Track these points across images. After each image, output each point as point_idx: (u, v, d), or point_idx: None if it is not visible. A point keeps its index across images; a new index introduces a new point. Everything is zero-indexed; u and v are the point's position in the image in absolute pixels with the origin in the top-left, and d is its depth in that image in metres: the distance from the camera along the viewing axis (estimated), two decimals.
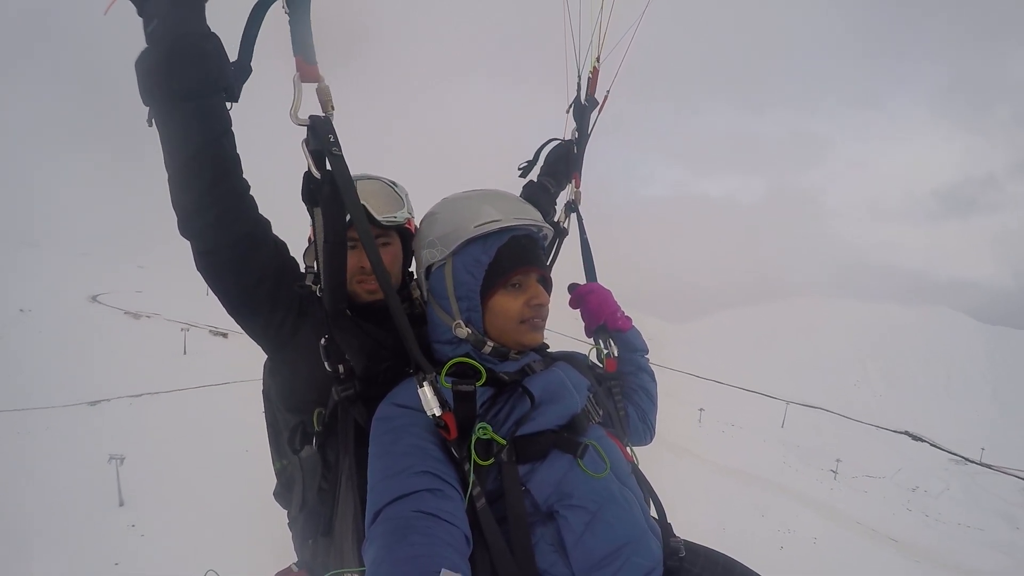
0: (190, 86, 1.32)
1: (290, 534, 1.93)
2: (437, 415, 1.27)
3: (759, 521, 9.06)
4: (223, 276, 1.52)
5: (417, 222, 1.72)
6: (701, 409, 16.72)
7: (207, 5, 1.36)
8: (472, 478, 1.27)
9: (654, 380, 2.08)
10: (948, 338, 32.13)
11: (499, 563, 1.24)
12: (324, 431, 1.66)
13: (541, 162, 2.51)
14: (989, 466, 16.53)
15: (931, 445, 16.89)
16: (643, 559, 1.32)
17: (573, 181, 2.48)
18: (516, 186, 2.50)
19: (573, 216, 2.44)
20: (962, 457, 17.03)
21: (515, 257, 1.54)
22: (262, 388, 1.99)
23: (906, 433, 17.35)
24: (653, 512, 1.67)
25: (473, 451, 1.29)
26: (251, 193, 1.52)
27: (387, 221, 1.89)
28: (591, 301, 2.13)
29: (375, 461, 1.30)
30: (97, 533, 5.82)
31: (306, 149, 1.37)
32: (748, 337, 31.17)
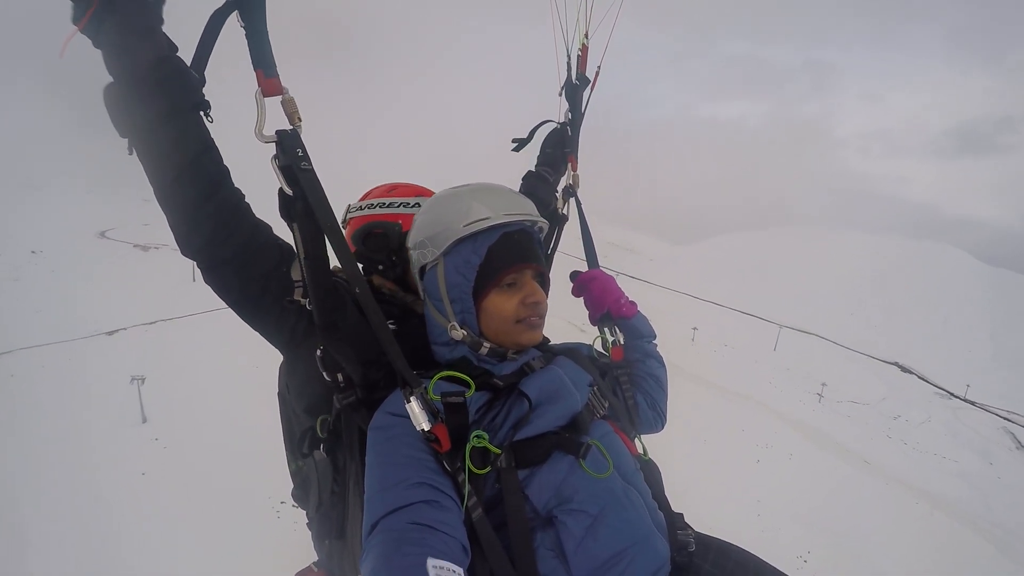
0: (159, 111, 1.32)
1: (309, 533, 1.99)
2: (426, 429, 1.28)
3: (739, 435, 9.49)
4: (230, 289, 1.52)
5: None
6: (695, 328, 16.90)
7: (165, 27, 1.34)
8: (467, 489, 1.27)
9: (663, 366, 2.01)
10: (949, 276, 31.42)
11: (498, 571, 1.25)
12: (330, 438, 1.68)
13: (537, 149, 2.48)
14: (972, 402, 16.73)
15: (919, 378, 17.11)
16: (648, 560, 1.32)
17: (570, 164, 2.44)
18: (513, 167, 2.49)
19: (572, 201, 2.41)
20: (947, 392, 17.21)
21: (507, 256, 1.53)
22: (278, 390, 1.99)
23: (896, 364, 17.54)
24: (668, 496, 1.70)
25: (468, 460, 1.29)
26: (246, 202, 1.51)
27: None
28: (594, 289, 2.08)
29: (371, 472, 1.30)
30: (124, 447, 6.21)
31: (275, 166, 1.35)
32: (747, 262, 31.09)
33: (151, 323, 9.25)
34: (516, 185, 2.39)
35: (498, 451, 1.31)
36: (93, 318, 9.40)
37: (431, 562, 1.02)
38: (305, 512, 1.92)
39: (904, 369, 17.45)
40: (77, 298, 9.76)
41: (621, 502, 1.35)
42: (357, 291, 1.35)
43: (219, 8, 1.31)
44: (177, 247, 1.45)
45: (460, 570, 1.06)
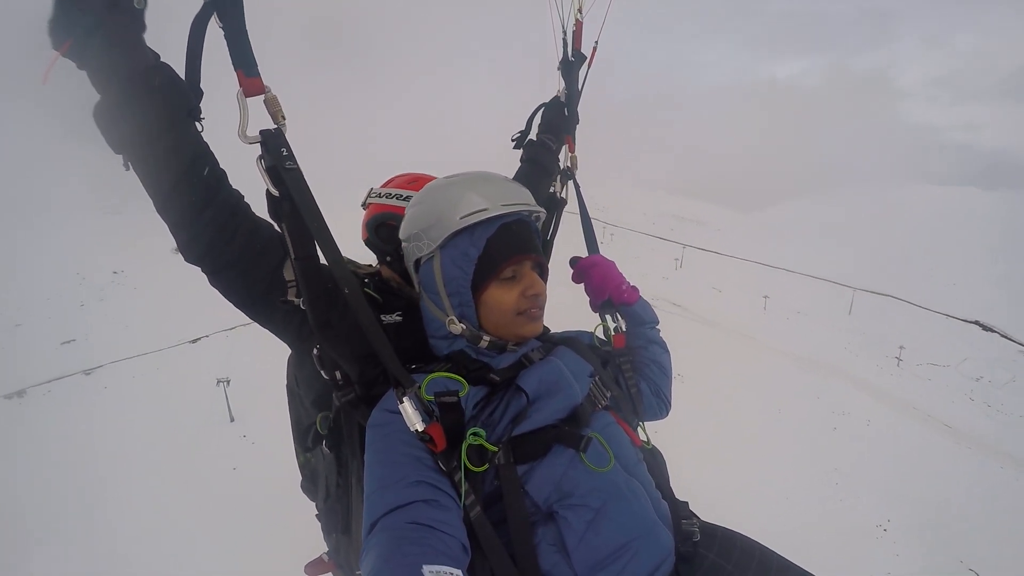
0: (154, 123, 1.31)
1: (319, 525, 2.03)
2: (420, 430, 1.28)
3: (814, 403, 9.27)
4: (235, 291, 1.54)
5: None
6: (766, 297, 16.56)
7: (147, 36, 1.33)
8: (465, 487, 1.27)
9: (666, 351, 2.05)
10: None
11: (498, 569, 1.24)
12: (331, 434, 1.71)
13: (538, 121, 2.49)
14: None
15: (1002, 336, 16.32)
16: (651, 552, 1.32)
17: (567, 145, 2.42)
18: (511, 156, 2.50)
19: (570, 185, 2.39)
20: None
21: (506, 247, 1.51)
22: (286, 383, 2.06)
23: (976, 323, 16.72)
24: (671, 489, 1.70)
25: (465, 458, 1.28)
26: (245, 202, 1.52)
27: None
28: (594, 275, 2.06)
29: (370, 470, 1.29)
30: (214, 445, 6.59)
31: (261, 167, 1.35)
32: (816, 225, 30.01)
33: (231, 329, 9.61)
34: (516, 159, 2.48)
35: (495, 449, 1.33)
36: (176, 329, 9.88)
37: (427, 568, 1.03)
38: (315, 504, 2.01)
39: (985, 327, 16.63)
40: (159, 312, 10.27)
41: (623, 495, 1.36)
42: (346, 292, 1.35)
43: (198, 13, 1.31)
44: (180, 255, 1.48)
45: (458, 572, 1.07)
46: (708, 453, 6.90)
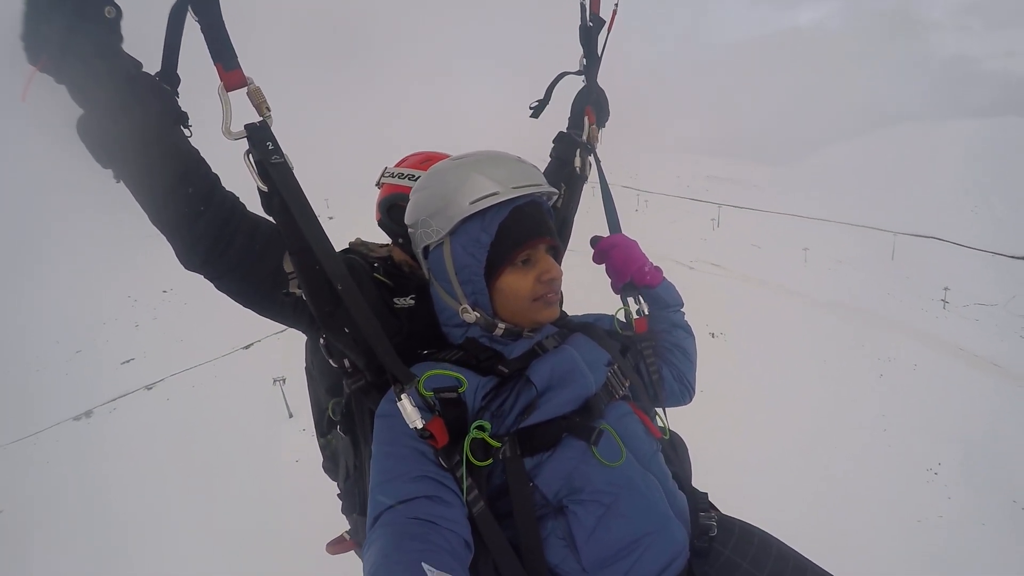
0: (139, 134, 1.29)
1: (340, 504, 2.02)
2: (420, 427, 1.25)
3: (859, 351, 9.17)
4: (243, 292, 1.53)
5: None
6: (806, 249, 16.30)
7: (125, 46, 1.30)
8: (466, 483, 1.24)
9: (691, 335, 1.97)
10: None
11: (501, 564, 1.22)
12: (344, 420, 1.70)
13: (562, 108, 2.34)
14: None
15: None
16: (663, 548, 1.30)
17: (587, 117, 2.28)
18: (540, 149, 2.34)
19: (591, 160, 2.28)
20: None
21: (519, 232, 1.46)
22: (305, 366, 2.05)
23: None
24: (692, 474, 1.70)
25: (468, 453, 1.25)
26: (240, 203, 1.49)
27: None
28: (615, 256, 1.96)
29: (375, 461, 1.28)
30: (277, 439, 6.86)
31: (249, 161, 1.32)
32: (854, 172, 29.36)
33: (281, 331, 9.81)
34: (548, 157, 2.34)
35: (498, 444, 1.29)
36: (229, 338, 10.18)
37: (427, 566, 1.01)
38: (336, 484, 2.00)
39: None
40: (211, 323, 10.59)
41: (637, 489, 1.34)
42: (339, 288, 1.32)
43: (173, 7, 1.28)
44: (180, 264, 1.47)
45: None
46: (752, 409, 6.95)
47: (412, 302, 1.68)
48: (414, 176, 1.93)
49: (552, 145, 2.34)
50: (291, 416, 7.30)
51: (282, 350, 9.09)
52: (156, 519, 5.64)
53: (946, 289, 13.14)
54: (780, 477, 5.60)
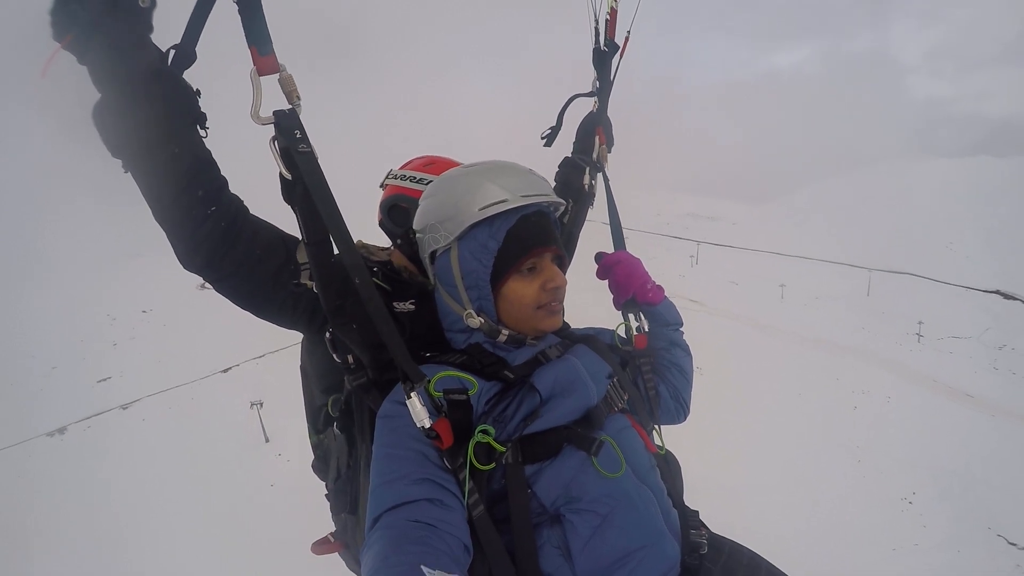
0: (156, 130, 1.28)
1: (328, 504, 1.99)
2: (427, 427, 1.24)
3: (834, 384, 9.35)
4: (242, 295, 1.53)
5: None
6: (782, 285, 16.62)
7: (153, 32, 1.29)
8: (468, 485, 1.24)
9: (689, 355, 1.98)
10: None
11: (497, 569, 1.22)
12: (341, 416, 1.69)
13: (570, 131, 2.38)
14: None
15: None
16: (656, 563, 1.29)
17: (598, 138, 2.32)
18: (543, 155, 2.36)
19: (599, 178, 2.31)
20: None
21: (526, 240, 1.47)
22: (300, 364, 2.02)
23: (997, 292, 16.57)
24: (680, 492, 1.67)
25: (472, 456, 1.25)
26: (244, 206, 1.49)
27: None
28: (619, 272, 1.97)
29: (376, 462, 1.27)
30: (252, 464, 6.87)
31: (275, 148, 1.30)
32: (831, 210, 29.68)
33: (260, 357, 9.89)
34: (552, 172, 2.33)
35: (502, 449, 1.29)
36: (207, 361, 10.15)
37: (426, 570, 1.00)
38: (324, 484, 1.99)
39: (1007, 296, 16.40)
40: (190, 346, 10.57)
41: (633, 502, 1.34)
42: (357, 281, 1.30)
43: None
44: (180, 264, 1.45)
45: None
46: (730, 442, 7.03)
47: (412, 307, 1.68)
48: (415, 178, 1.94)
49: (557, 170, 2.36)
50: (267, 440, 7.31)
51: (260, 374, 9.12)
52: (127, 537, 5.63)
53: (920, 323, 13.47)
54: (759, 505, 5.68)
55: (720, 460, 6.53)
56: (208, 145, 1.41)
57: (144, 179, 1.33)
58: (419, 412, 1.24)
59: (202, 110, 1.36)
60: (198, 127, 1.37)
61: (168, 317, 13.12)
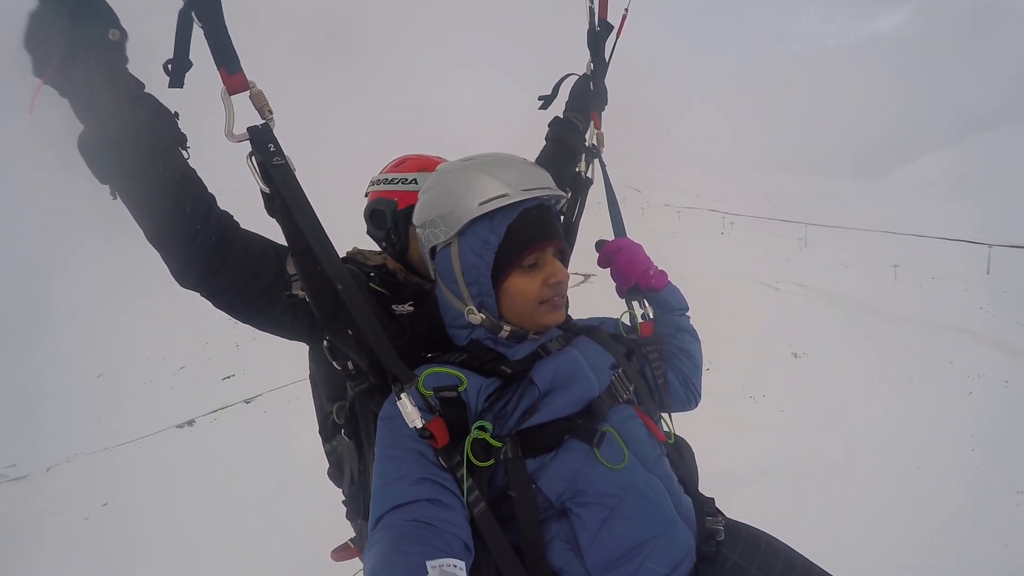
0: (138, 154, 1.30)
1: (345, 510, 2.02)
2: (419, 427, 1.24)
3: (948, 369, 8.88)
4: (237, 309, 1.53)
5: None
6: (895, 266, 15.95)
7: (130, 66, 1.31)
8: (467, 483, 1.24)
9: (696, 339, 1.94)
10: None
11: (503, 566, 1.22)
12: (348, 423, 1.70)
13: (565, 97, 2.37)
14: None
15: None
16: (668, 552, 1.29)
17: (592, 122, 2.30)
18: (539, 125, 2.36)
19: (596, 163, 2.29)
20: None
21: (528, 234, 1.45)
22: (309, 374, 2.04)
23: None
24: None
25: (469, 453, 1.25)
26: (234, 222, 1.50)
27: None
28: (620, 260, 1.96)
29: (378, 464, 1.28)
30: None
31: (252, 163, 1.32)
32: (949, 182, 28.22)
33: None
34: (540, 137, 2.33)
35: (499, 444, 1.29)
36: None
37: (430, 564, 1.02)
38: (341, 491, 2.00)
39: None
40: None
41: (641, 492, 1.33)
42: (339, 288, 1.32)
43: (180, 10, 1.27)
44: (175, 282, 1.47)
45: (461, 563, 1.07)
46: (836, 430, 6.86)
47: (411, 308, 1.70)
48: (390, 179, 1.96)
49: (548, 128, 2.34)
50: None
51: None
52: (251, 520, 6.07)
53: None
54: (866, 494, 5.54)
55: (826, 449, 6.37)
56: (194, 164, 1.43)
57: (133, 202, 1.36)
58: (410, 413, 1.26)
59: (182, 131, 1.39)
60: (180, 148, 1.39)
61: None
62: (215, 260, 1.42)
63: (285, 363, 11.05)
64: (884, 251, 17.84)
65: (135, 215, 1.38)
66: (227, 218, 1.48)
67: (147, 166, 1.31)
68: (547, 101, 2.35)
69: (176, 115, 1.38)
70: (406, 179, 1.93)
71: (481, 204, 1.42)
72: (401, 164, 2.01)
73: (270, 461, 7.24)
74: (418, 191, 1.72)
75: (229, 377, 11.43)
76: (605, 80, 2.37)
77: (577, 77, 2.37)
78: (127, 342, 14.27)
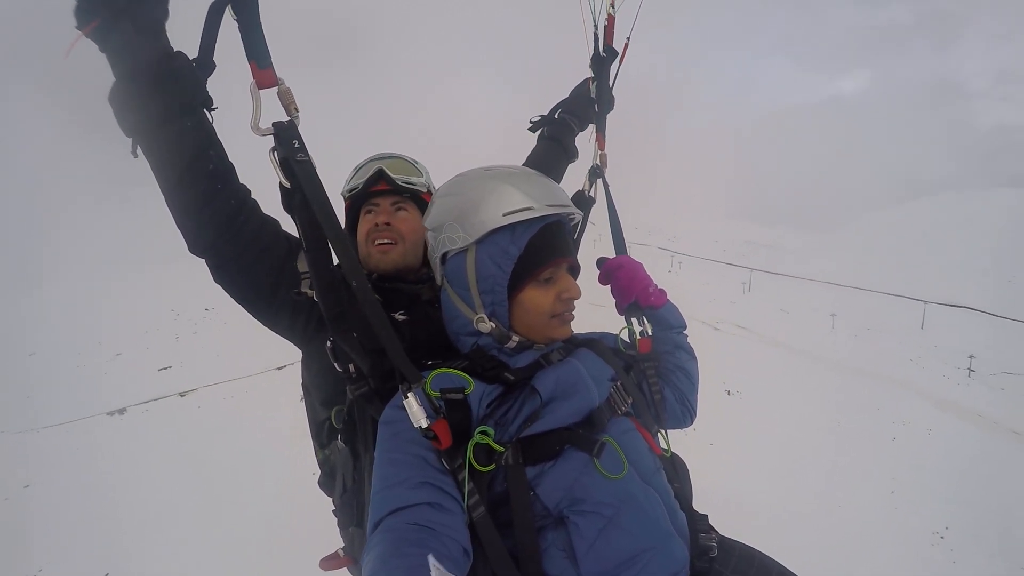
0: (167, 108, 1.33)
1: (335, 520, 1.98)
2: (424, 427, 1.24)
3: (875, 414, 9.20)
4: (240, 285, 1.55)
5: None
6: (833, 315, 16.51)
7: (168, 25, 1.36)
8: (468, 487, 1.23)
9: (693, 358, 1.96)
10: None
11: (499, 571, 1.21)
12: (345, 428, 1.66)
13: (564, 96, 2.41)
14: None
15: None
16: (663, 565, 1.28)
17: (596, 143, 2.30)
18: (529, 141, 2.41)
19: (599, 183, 2.28)
20: None
21: (547, 249, 1.46)
22: (301, 382, 2.04)
23: None
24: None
25: (471, 457, 1.24)
26: (252, 198, 1.53)
27: (403, 183, 1.91)
28: (621, 277, 1.98)
29: (377, 468, 1.26)
30: (303, 452, 7.20)
31: (274, 158, 1.33)
32: (892, 239, 29.32)
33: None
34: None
35: (501, 449, 1.29)
36: (263, 359, 10.52)
37: (432, 560, 1.02)
38: (331, 500, 1.96)
39: None
40: (248, 343, 11.08)
41: (639, 503, 1.33)
42: (353, 284, 1.32)
43: (212, 3, 1.30)
44: (187, 248, 1.49)
45: None
46: (762, 465, 7.03)
47: (404, 317, 1.71)
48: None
49: (542, 129, 2.40)
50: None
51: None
52: (165, 516, 5.93)
53: (971, 357, 13.15)
54: (786, 529, 5.65)
55: (750, 483, 6.51)
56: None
57: (155, 157, 1.39)
58: (416, 412, 1.25)
59: (210, 95, 1.42)
60: (206, 110, 1.43)
61: (229, 316, 13.53)
62: (232, 225, 1.45)
63: (224, 359, 10.94)
64: (825, 301, 18.54)
65: (156, 171, 1.40)
66: (246, 192, 1.52)
67: (176, 118, 1.35)
68: (540, 123, 2.40)
69: (213, 67, 1.41)
70: (343, 193, 1.95)
71: (506, 215, 1.41)
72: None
73: (201, 456, 7.10)
74: None
75: (166, 368, 11.19)
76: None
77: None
78: (63, 323, 13.90)
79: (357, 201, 1.96)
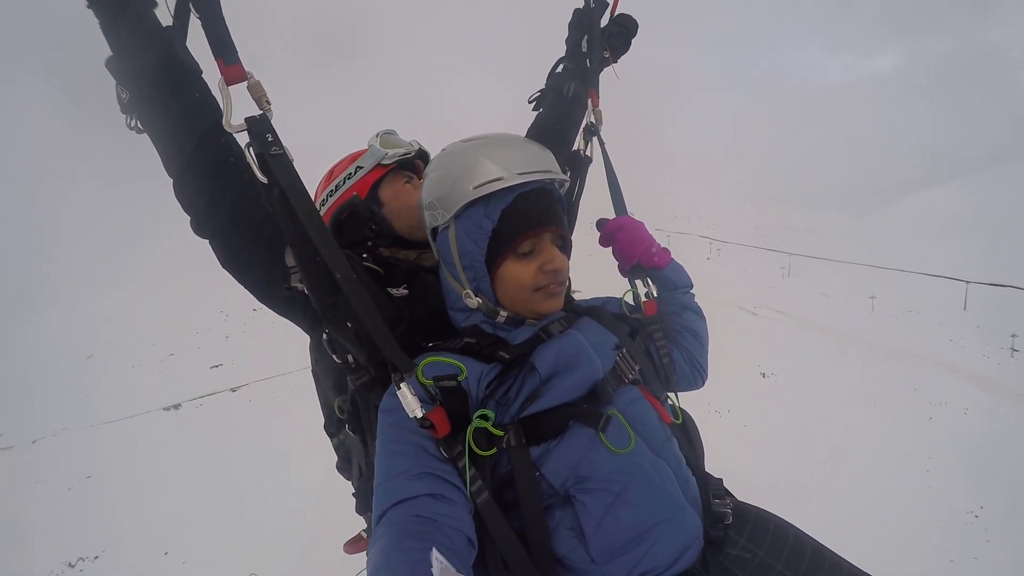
0: (174, 78, 1.33)
1: (354, 503, 1.95)
2: (419, 416, 1.21)
3: (911, 395, 9.18)
4: (252, 267, 1.51)
5: None
6: (873, 297, 16.28)
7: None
8: (469, 473, 1.21)
9: (702, 317, 1.89)
10: None
11: (508, 555, 1.19)
12: (351, 417, 1.65)
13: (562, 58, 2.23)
14: None
15: None
16: (675, 537, 1.25)
17: (590, 100, 2.18)
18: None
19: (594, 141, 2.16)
20: None
21: (522, 221, 1.40)
22: (311, 368, 2.04)
23: None
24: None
25: (471, 442, 1.22)
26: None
27: (395, 157, 1.86)
28: (621, 238, 1.90)
29: (379, 458, 1.25)
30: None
31: (250, 154, 1.28)
32: (935, 220, 28.71)
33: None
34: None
35: (500, 433, 1.26)
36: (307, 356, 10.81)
37: (435, 553, 1.01)
38: (351, 483, 1.95)
39: None
40: (295, 342, 11.50)
41: (648, 476, 1.29)
42: (337, 276, 1.28)
43: (177, 3, 1.30)
44: (192, 229, 1.47)
45: None
46: (797, 446, 7.10)
47: (405, 291, 1.66)
48: (332, 191, 1.92)
49: (548, 79, 2.28)
50: None
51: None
52: (218, 501, 6.24)
53: (1013, 336, 12.95)
54: (821, 508, 5.71)
55: (785, 464, 6.58)
56: None
57: (163, 130, 1.39)
58: (410, 402, 1.23)
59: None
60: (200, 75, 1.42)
61: (275, 316, 13.81)
62: (248, 197, 1.45)
63: (272, 356, 11.33)
64: (864, 284, 18.24)
65: (166, 151, 1.42)
66: (238, 144, 1.44)
67: (184, 88, 1.37)
68: (540, 99, 2.27)
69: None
70: (349, 174, 1.88)
71: (476, 187, 1.38)
72: (332, 172, 1.97)
73: (253, 447, 7.42)
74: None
75: (217, 366, 11.66)
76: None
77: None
78: (119, 327, 14.57)
79: (396, 167, 1.92)
